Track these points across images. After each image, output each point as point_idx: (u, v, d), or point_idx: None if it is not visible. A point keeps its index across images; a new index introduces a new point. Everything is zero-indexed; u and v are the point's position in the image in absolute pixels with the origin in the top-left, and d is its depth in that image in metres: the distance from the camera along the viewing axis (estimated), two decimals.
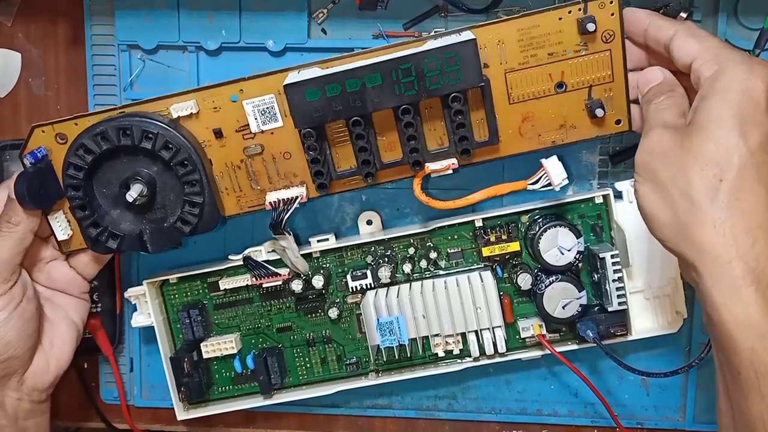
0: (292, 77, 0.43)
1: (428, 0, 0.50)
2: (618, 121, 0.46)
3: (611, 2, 0.43)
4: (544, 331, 0.51)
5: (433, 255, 0.51)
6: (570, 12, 0.43)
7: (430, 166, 0.45)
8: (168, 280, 0.52)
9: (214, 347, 0.51)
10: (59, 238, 0.47)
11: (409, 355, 0.52)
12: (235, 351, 0.51)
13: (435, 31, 0.50)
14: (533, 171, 0.46)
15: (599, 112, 0.44)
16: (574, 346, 0.51)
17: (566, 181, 0.45)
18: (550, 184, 0.45)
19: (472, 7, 0.48)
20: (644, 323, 0.50)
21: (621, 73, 0.44)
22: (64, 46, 0.54)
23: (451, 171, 0.45)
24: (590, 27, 0.42)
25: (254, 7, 0.51)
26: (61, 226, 0.47)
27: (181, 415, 0.52)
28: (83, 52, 0.53)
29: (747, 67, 0.37)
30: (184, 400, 0.52)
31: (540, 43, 0.44)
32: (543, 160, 0.45)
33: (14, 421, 0.47)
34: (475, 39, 0.41)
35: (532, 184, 0.46)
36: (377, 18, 0.51)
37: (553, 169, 0.45)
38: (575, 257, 0.48)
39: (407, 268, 0.50)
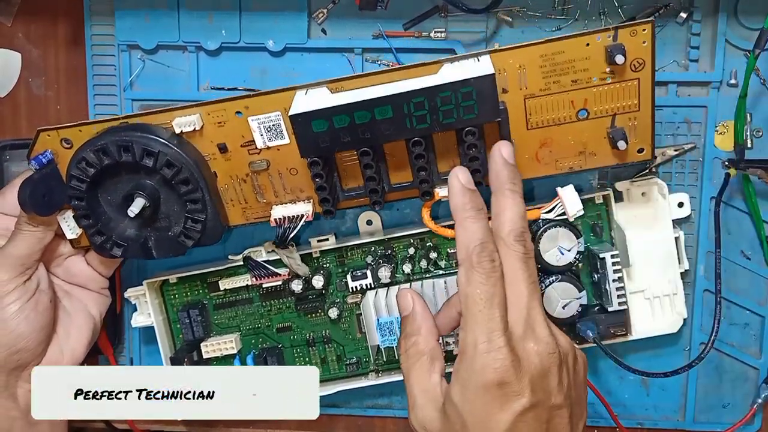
0: (299, 100, 0.42)
1: (428, 0, 0.50)
2: (641, 150, 0.44)
3: (644, 30, 0.41)
4: None
5: (433, 255, 0.51)
6: (599, 38, 0.41)
7: (440, 192, 0.44)
8: (168, 280, 0.52)
9: (214, 347, 0.51)
10: (68, 237, 0.47)
11: None
12: (235, 351, 0.51)
13: (435, 31, 0.50)
14: (542, 191, 0.45)
15: (622, 145, 0.43)
16: None
17: (581, 212, 0.44)
18: (564, 213, 0.45)
19: (472, 7, 0.48)
20: (644, 323, 0.50)
21: (648, 101, 0.43)
22: (64, 46, 0.54)
23: None
24: (619, 60, 0.40)
25: (254, 7, 0.51)
26: (70, 225, 0.47)
27: None
28: (83, 52, 0.53)
29: (482, 362, 0.37)
30: None
31: (564, 70, 0.42)
32: (559, 189, 0.44)
33: (26, 413, 0.47)
34: (493, 74, 0.40)
35: (547, 213, 0.45)
36: (377, 18, 0.51)
37: (569, 199, 0.44)
38: (575, 257, 0.48)
39: (407, 268, 0.50)
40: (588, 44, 0.41)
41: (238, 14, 0.51)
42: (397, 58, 0.51)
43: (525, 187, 0.42)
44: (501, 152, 0.41)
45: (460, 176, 0.41)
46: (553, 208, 0.45)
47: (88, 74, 0.53)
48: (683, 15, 0.49)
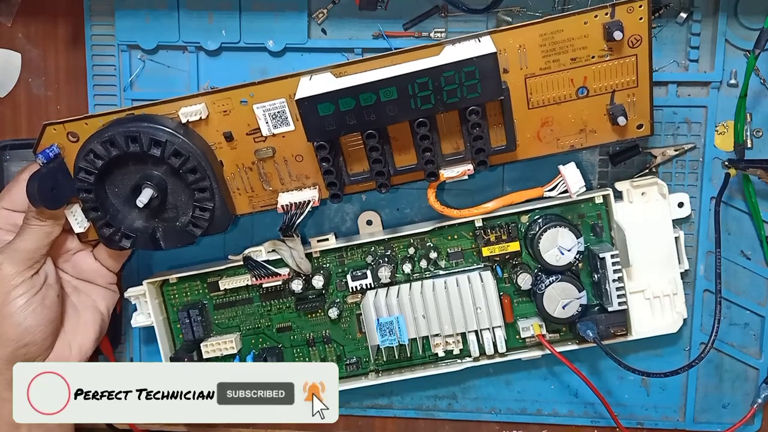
0: (304, 85, 0.43)
1: (428, 0, 0.50)
2: (640, 126, 0.45)
3: (640, 6, 0.41)
4: (544, 331, 0.51)
5: (433, 255, 0.51)
6: (596, 16, 0.42)
7: (445, 173, 0.45)
8: (168, 280, 0.52)
9: (214, 347, 0.51)
10: (76, 231, 0.47)
11: (409, 355, 0.52)
12: (235, 351, 0.51)
13: (435, 31, 0.50)
14: (527, 170, 0.46)
15: (621, 120, 0.43)
16: (574, 346, 0.51)
17: (583, 189, 0.44)
18: (566, 191, 0.45)
19: (472, 7, 0.48)
20: (644, 323, 0.50)
21: (646, 78, 0.43)
22: (64, 46, 0.54)
23: (466, 177, 0.45)
24: (617, 36, 0.41)
25: (254, 7, 0.51)
26: (78, 219, 0.47)
27: None
28: (83, 52, 0.53)
29: None
30: None
31: (563, 48, 0.43)
32: (561, 167, 0.45)
33: None
34: (495, 53, 0.40)
35: (549, 191, 0.45)
36: (377, 18, 0.51)
37: (571, 177, 0.44)
38: (575, 257, 0.48)
39: (407, 268, 0.50)
40: (586, 22, 0.42)
41: (238, 14, 0.51)
42: None
43: (522, 172, 0.41)
44: None
45: None
46: (556, 185, 0.45)
47: (88, 74, 0.53)
48: (683, 15, 0.49)
